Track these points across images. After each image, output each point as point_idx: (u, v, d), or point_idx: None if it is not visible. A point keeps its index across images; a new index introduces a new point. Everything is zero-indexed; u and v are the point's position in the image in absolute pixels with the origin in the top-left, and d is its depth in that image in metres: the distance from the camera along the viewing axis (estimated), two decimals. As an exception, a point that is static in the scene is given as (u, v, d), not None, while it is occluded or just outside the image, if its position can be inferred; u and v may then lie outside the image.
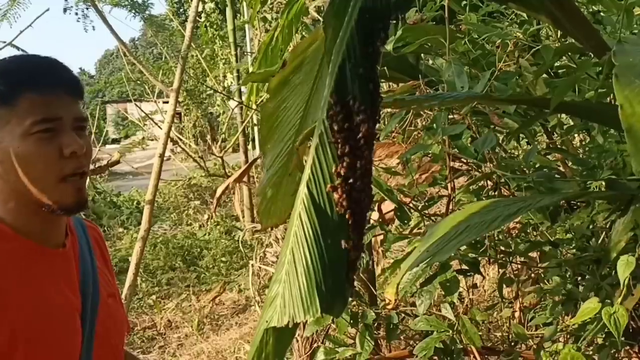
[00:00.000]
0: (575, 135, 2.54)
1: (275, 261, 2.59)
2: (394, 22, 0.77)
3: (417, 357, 2.23)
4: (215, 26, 8.25)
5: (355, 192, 0.78)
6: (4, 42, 4.12)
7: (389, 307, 1.69)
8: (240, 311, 5.47)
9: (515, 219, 1.66)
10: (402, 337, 2.37)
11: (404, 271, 1.18)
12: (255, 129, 8.43)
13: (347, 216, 0.78)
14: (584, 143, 2.51)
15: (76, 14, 5.41)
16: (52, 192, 1.10)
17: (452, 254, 1.59)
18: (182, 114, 14.08)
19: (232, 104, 7.92)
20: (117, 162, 3.51)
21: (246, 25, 8.46)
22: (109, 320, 1.23)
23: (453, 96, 1.23)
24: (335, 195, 0.78)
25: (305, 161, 1.74)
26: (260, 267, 2.90)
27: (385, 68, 2.12)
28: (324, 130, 0.80)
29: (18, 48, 4.60)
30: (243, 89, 7.03)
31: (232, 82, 8.00)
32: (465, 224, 1.12)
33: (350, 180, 0.78)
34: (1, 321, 1.05)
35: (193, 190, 9.54)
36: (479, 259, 1.94)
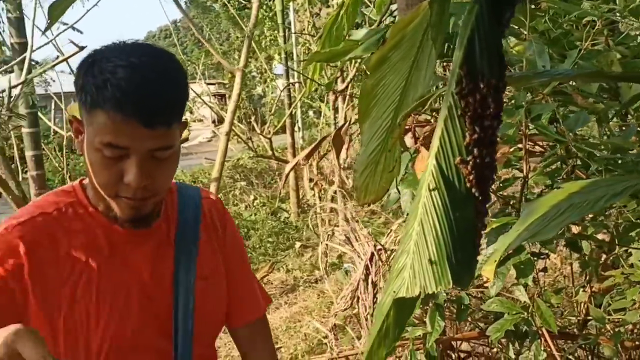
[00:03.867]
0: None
1: (344, 239, 2.62)
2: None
3: (486, 338, 2.22)
4: (264, 7, 8.27)
5: (482, 165, 0.79)
6: (66, 24, 4.18)
7: (486, 284, 1.68)
8: (289, 291, 5.52)
9: (620, 199, 1.63)
10: (468, 319, 2.37)
11: (503, 250, 1.17)
12: (299, 111, 8.48)
13: (474, 189, 0.78)
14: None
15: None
16: (110, 200, 1.11)
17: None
18: (227, 95, 14.21)
19: (280, 85, 7.95)
20: (186, 139, 3.56)
21: (290, 6, 8.47)
22: (201, 303, 1.23)
23: (562, 73, 1.22)
24: (464, 169, 0.78)
25: (421, 134, 1.73)
26: (327, 246, 2.93)
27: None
28: (453, 103, 0.80)
29: (74, 28, 4.68)
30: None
31: (278, 63, 8.02)
32: (567, 203, 1.10)
33: (478, 153, 0.78)
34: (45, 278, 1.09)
35: (238, 171, 9.63)
36: (555, 242, 1.92)
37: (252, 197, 8.34)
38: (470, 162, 0.78)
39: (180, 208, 1.26)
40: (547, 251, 1.92)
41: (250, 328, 1.38)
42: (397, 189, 1.72)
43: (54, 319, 1.11)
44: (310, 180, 7.98)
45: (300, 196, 7.97)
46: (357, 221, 2.55)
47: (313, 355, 3.82)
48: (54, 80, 5.03)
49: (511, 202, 1.98)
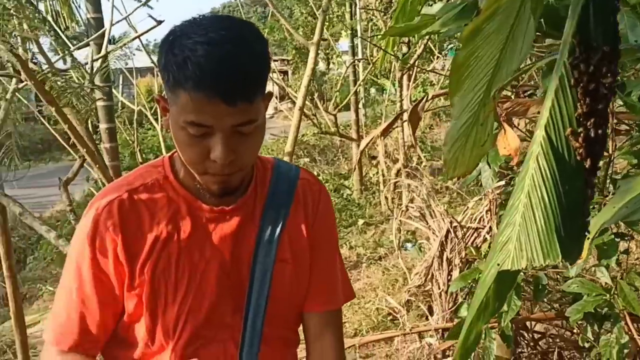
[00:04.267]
0: None
1: (418, 216, 2.61)
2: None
3: (561, 320, 2.17)
4: (332, -18, 8.22)
5: (594, 137, 0.76)
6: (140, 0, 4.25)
7: (580, 261, 1.65)
8: (352, 267, 5.55)
9: None
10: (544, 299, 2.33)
11: (598, 227, 1.14)
12: (362, 89, 8.39)
13: (585, 162, 0.76)
14: None
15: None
16: (198, 176, 1.13)
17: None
18: (289, 72, 14.26)
19: (347, 62, 7.92)
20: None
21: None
22: (277, 284, 1.22)
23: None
24: (574, 141, 0.76)
25: (502, 110, 1.70)
26: (401, 222, 2.92)
27: (541, 21, 2.04)
28: (565, 72, 0.78)
29: (145, 4, 4.77)
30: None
31: (345, 38, 7.98)
32: (668, 181, 1.06)
33: (590, 125, 0.76)
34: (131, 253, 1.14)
35: (302, 147, 9.67)
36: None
37: (315, 174, 8.38)
38: (582, 134, 0.76)
39: (272, 186, 1.25)
40: (632, 232, 1.86)
41: (321, 317, 1.32)
42: (488, 164, 1.69)
43: (140, 291, 1.15)
44: (373, 157, 7.95)
45: (364, 173, 7.95)
46: (432, 198, 2.53)
47: (377, 331, 3.84)
48: (134, 55, 5.15)
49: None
